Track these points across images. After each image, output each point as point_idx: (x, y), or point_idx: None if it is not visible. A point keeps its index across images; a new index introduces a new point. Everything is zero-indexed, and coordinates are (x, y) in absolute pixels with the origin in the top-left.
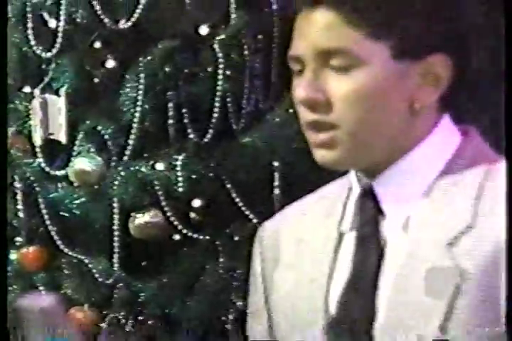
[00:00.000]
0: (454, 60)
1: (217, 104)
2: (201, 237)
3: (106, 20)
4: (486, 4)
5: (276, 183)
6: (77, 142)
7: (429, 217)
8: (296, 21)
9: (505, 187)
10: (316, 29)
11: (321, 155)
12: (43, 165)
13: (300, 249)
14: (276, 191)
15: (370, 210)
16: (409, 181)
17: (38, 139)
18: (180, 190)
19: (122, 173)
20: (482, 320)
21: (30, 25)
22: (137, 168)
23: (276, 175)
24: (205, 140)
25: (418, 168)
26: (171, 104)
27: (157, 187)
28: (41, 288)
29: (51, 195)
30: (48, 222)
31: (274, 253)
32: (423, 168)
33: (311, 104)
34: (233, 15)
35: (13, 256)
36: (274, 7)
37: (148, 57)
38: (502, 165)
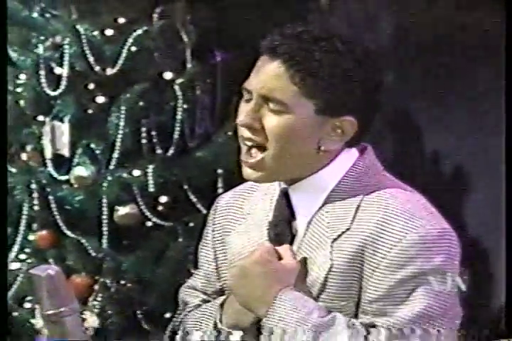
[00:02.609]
0: (360, 121)
1: (177, 129)
2: (166, 224)
3: (97, 68)
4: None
5: (219, 185)
6: (76, 156)
7: (324, 219)
8: (258, 60)
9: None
10: (268, 76)
11: (247, 173)
12: (52, 172)
13: (248, 220)
14: (220, 191)
15: (285, 209)
16: (314, 191)
17: (48, 154)
18: (151, 189)
19: (109, 178)
20: (344, 296)
21: (42, 72)
22: (120, 174)
23: (220, 179)
24: (169, 154)
25: (321, 182)
26: (144, 129)
27: (134, 188)
28: (51, 260)
29: (58, 194)
30: (55, 213)
31: (226, 222)
32: (324, 183)
33: (248, 128)
34: (189, 65)
35: (31, 237)
36: (218, 59)
37: (128, 95)
38: (384, 178)
